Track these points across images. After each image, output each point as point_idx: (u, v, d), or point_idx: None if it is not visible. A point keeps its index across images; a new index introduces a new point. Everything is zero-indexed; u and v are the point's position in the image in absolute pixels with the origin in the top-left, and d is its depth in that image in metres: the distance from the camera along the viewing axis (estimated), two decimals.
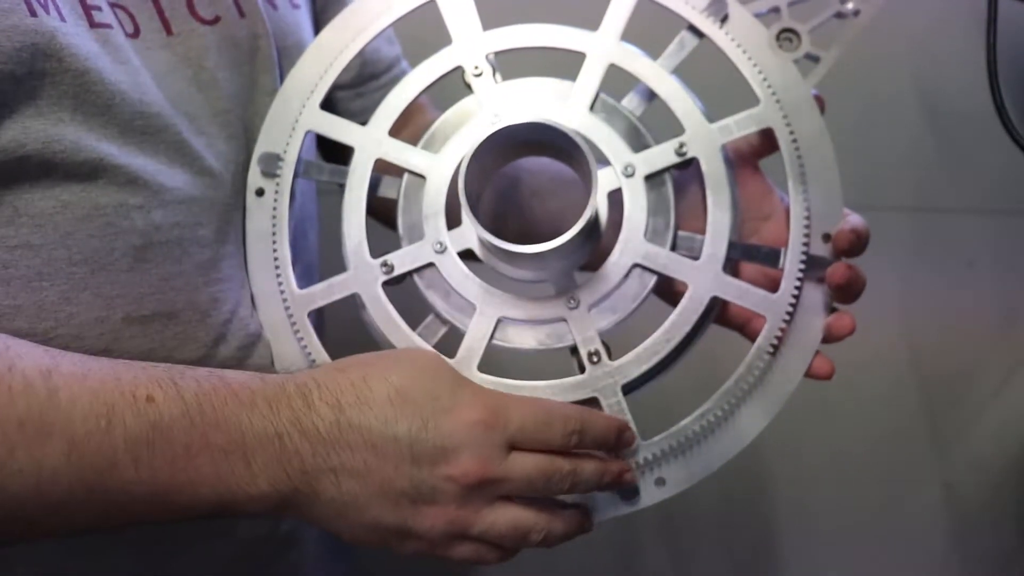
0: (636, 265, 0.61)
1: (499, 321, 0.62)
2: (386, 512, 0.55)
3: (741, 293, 0.61)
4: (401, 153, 0.64)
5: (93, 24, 0.58)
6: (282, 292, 0.64)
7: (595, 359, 0.61)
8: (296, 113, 0.65)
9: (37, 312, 0.57)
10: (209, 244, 0.63)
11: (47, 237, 0.57)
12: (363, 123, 0.64)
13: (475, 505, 0.56)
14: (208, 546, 0.65)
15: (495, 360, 0.62)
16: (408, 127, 0.68)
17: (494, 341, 0.62)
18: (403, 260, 0.63)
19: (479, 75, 0.63)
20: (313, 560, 0.73)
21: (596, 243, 0.62)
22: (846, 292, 0.61)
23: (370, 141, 0.64)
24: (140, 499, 0.52)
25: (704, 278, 0.61)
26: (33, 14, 0.54)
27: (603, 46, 0.63)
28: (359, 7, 0.65)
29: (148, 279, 0.60)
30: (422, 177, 0.63)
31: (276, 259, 0.64)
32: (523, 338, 0.62)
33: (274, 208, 0.64)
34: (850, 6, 0.62)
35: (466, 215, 0.57)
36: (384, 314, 0.62)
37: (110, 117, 0.57)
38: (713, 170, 0.62)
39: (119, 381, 0.52)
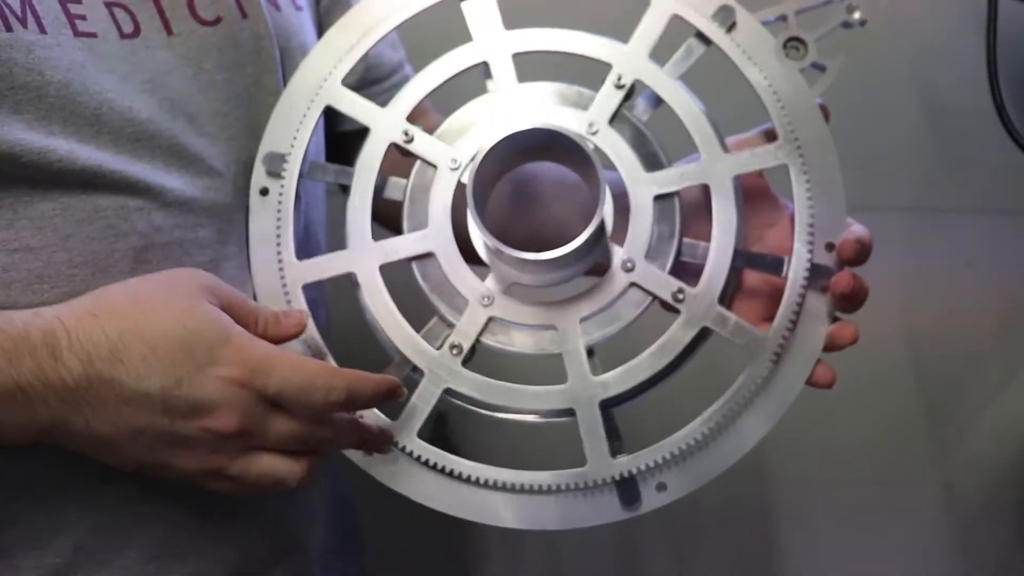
0: (633, 284, 0.61)
1: (490, 320, 0.61)
2: (141, 452, 0.56)
3: (737, 330, 0.61)
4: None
5: (78, 33, 0.58)
6: (286, 292, 0.63)
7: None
8: (302, 112, 0.64)
9: None
10: (210, 245, 0.62)
11: (47, 240, 0.57)
12: None
13: (229, 453, 0.56)
14: (210, 550, 0.65)
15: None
16: None
17: (486, 340, 0.62)
18: (404, 245, 0.62)
19: (503, 73, 0.63)
20: (316, 565, 0.72)
21: (603, 249, 0.62)
22: (850, 301, 0.61)
23: (386, 124, 0.64)
24: None
25: (698, 308, 0.61)
26: (8, 29, 0.55)
27: (631, 60, 0.62)
28: (365, 7, 0.65)
29: None
30: (433, 167, 0.63)
31: (280, 259, 0.63)
32: (515, 340, 0.62)
33: (279, 208, 0.64)
34: (856, 16, 0.62)
35: (472, 219, 0.57)
36: (378, 296, 0.62)
37: (100, 127, 0.58)
38: (722, 198, 0.61)
39: None
